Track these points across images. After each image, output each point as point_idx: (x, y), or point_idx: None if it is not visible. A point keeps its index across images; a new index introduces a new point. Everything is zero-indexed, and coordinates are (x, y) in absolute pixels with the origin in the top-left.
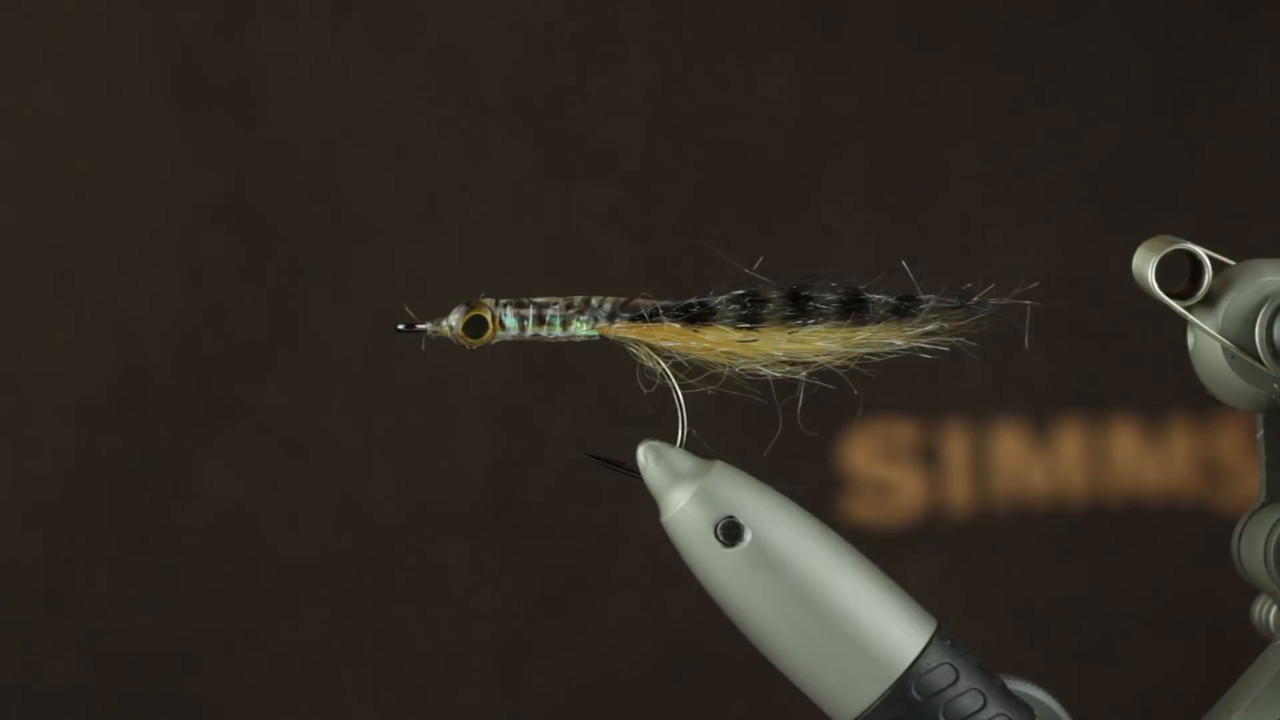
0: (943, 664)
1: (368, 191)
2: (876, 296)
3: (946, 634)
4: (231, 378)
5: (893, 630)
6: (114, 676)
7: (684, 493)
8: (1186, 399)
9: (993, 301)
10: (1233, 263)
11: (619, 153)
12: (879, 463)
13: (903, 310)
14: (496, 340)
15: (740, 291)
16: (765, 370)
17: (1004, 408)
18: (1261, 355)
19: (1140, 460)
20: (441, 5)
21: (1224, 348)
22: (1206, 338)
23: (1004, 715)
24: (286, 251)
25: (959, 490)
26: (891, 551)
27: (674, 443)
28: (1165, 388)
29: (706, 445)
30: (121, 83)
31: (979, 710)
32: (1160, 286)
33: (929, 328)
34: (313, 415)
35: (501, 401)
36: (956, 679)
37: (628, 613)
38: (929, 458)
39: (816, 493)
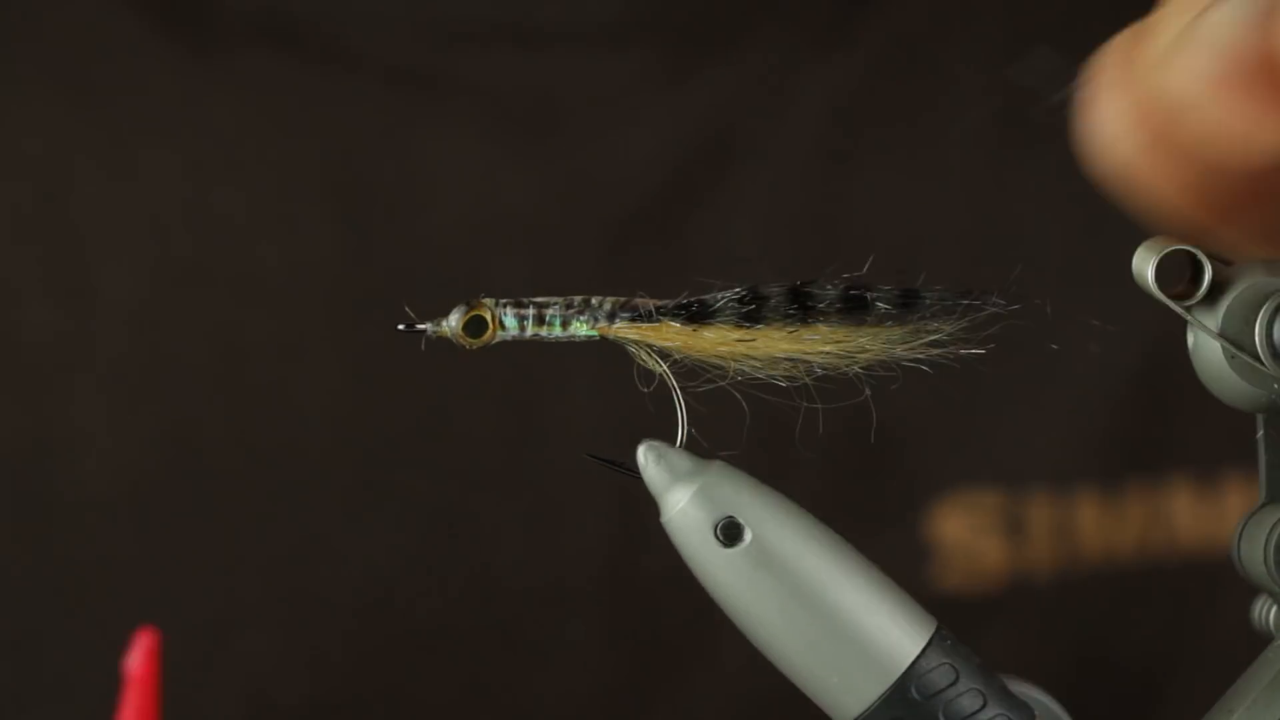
0: (943, 664)
1: (506, 289)
2: (878, 291)
3: (946, 634)
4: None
5: (893, 631)
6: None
7: (683, 493)
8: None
9: (996, 300)
10: (1233, 263)
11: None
12: (967, 531)
13: (906, 305)
14: (496, 340)
15: (739, 289)
16: (768, 373)
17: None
18: (1261, 355)
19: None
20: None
21: (1224, 348)
22: (1206, 338)
23: (1004, 715)
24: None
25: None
26: (979, 617)
27: (674, 443)
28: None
29: (705, 444)
30: (290, 185)
31: (979, 710)
32: (1160, 286)
33: (935, 336)
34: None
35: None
36: (956, 679)
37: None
38: (1013, 525)
39: (904, 564)
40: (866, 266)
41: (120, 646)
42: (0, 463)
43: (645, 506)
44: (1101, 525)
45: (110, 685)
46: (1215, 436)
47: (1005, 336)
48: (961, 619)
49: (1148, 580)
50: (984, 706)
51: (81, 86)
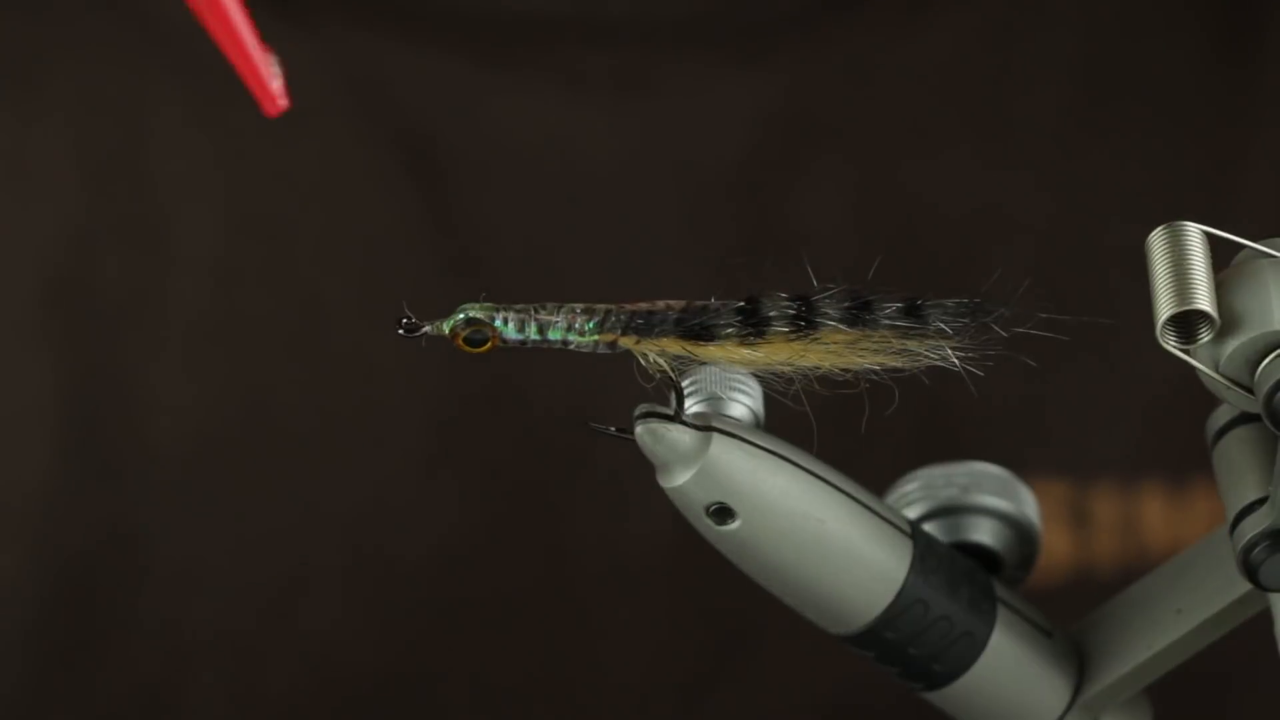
0: (913, 604)
1: (587, 259)
2: (883, 299)
3: (918, 571)
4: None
5: (868, 583)
6: (333, 695)
7: (679, 474)
8: None
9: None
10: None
11: (818, 239)
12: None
13: (912, 313)
14: (498, 348)
15: (740, 303)
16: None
17: (1150, 467)
18: (1264, 420)
19: None
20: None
21: (1224, 386)
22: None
23: (968, 634)
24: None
25: (1107, 549)
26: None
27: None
28: None
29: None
30: (370, 147)
31: (945, 635)
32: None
33: (941, 345)
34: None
35: None
36: (925, 613)
37: (797, 659)
38: (1079, 517)
39: None
40: (871, 273)
41: (189, 608)
42: (73, 417)
43: None
44: (1168, 520)
45: (177, 643)
46: None
47: (1075, 329)
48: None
49: None
50: (949, 631)
51: (163, 35)
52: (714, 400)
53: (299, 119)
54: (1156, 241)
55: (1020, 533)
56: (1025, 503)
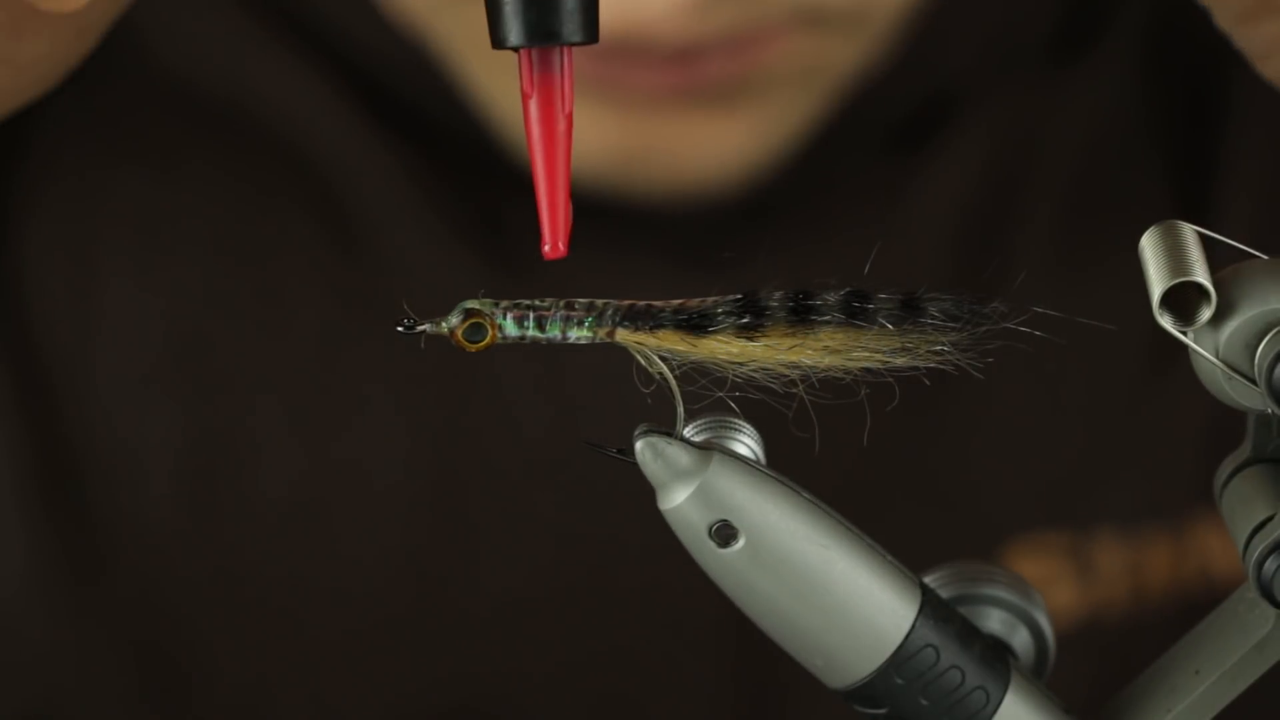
0: (924, 648)
1: None
2: (881, 296)
3: (929, 615)
4: None
5: (876, 620)
6: None
7: (680, 492)
8: None
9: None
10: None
11: None
12: (1038, 572)
13: (911, 308)
14: (496, 343)
15: (737, 296)
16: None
17: (1152, 513)
18: (1261, 391)
19: None
20: None
21: (1223, 372)
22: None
23: (981, 689)
24: None
25: (1116, 595)
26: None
27: (672, 429)
28: None
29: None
30: None
31: (958, 688)
32: (1165, 311)
33: (939, 345)
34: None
35: None
36: (936, 660)
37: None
38: (1083, 565)
39: None
40: (867, 268)
41: (277, 656)
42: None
43: None
44: (1173, 563)
45: (256, 688)
46: None
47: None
48: None
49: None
50: (962, 683)
51: None
52: (716, 438)
53: None
54: (1149, 237)
55: (1031, 628)
56: (1035, 600)
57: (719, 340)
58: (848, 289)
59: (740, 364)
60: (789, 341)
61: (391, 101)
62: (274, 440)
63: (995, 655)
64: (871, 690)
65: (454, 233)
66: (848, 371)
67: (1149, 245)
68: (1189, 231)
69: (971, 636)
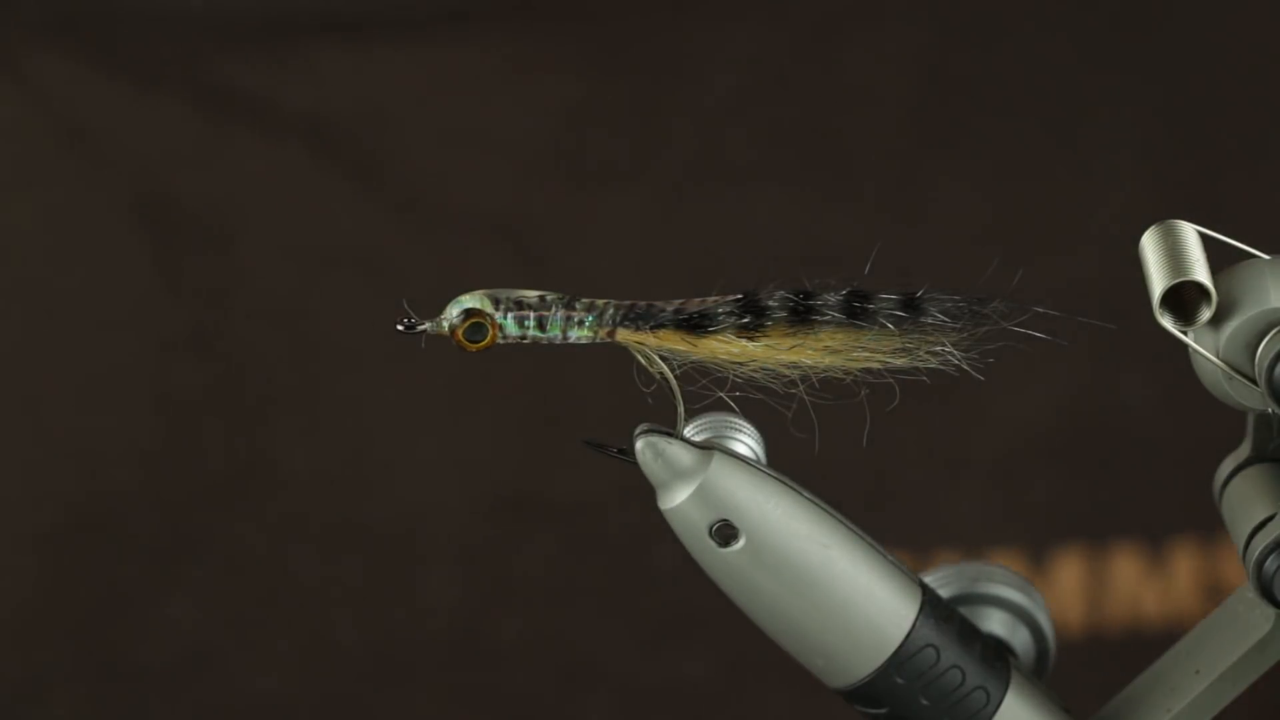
0: (924, 648)
1: (340, 321)
2: (882, 296)
3: (929, 614)
4: (197, 509)
5: (877, 621)
6: None
7: (681, 491)
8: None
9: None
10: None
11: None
12: None
13: (912, 308)
14: (497, 343)
15: (738, 296)
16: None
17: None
18: (1261, 390)
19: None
20: (421, 133)
21: (1223, 371)
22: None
23: (981, 689)
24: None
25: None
26: None
27: (672, 429)
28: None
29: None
30: (91, 209)
31: (958, 687)
32: (1165, 311)
33: (939, 346)
34: (281, 550)
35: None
36: (937, 660)
37: None
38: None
39: None
40: (868, 268)
41: None
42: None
43: None
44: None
45: None
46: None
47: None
48: None
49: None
50: (962, 683)
51: None
52: (717, 437)
53: (26, 180)
54: (1150, 237)
55: (1032, 628)
56: (1035, 599)
57: (719, 340)
58: (849, 289)
59: (741, 364)
60: (789, 341)
61: None
62: None
63: (995, 655)
64: (872, 690)
65: None
66: (847, 371)
67: (1149, 244)
68: (1189, 231)
69: (972, 636)
